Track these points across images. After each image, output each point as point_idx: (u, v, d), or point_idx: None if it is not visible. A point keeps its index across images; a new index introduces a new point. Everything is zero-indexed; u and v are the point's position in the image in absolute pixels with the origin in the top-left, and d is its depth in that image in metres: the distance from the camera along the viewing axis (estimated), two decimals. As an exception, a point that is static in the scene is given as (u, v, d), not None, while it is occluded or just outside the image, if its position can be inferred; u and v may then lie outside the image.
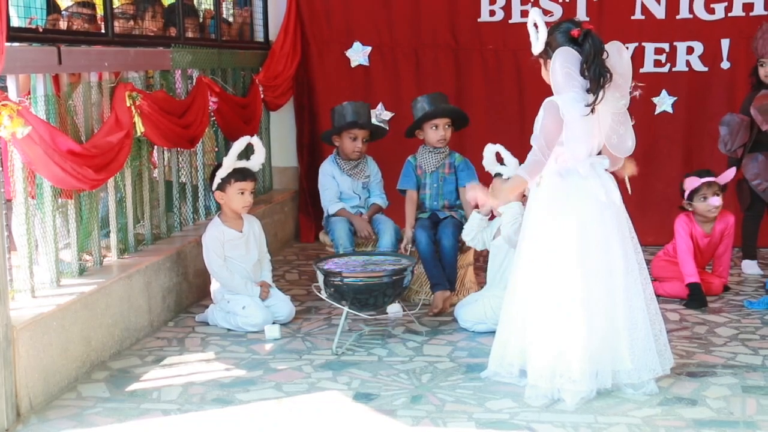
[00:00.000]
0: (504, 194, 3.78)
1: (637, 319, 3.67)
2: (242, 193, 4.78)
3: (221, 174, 4.76)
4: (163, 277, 4.78)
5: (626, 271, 3.66)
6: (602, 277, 3.63)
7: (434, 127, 5.12)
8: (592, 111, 3.56)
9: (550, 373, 3.61)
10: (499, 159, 4.75)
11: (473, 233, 4.69)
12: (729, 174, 5.12)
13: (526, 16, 6.27)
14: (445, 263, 4.96)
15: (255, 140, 4.82)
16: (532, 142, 3.66)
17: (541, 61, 3.72)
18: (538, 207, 3.73)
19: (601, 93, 3.54)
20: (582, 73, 3.55)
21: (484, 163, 4.78)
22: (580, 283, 3.60)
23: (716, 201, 5.06)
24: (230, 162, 4.76)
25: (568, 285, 3.60)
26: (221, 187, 4.78)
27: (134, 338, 4.46)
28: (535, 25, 3.66)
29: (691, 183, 5.10)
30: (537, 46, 3.67)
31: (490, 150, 4.76)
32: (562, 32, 3.61)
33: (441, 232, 4.99)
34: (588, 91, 3.54)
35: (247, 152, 4.90)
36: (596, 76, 3.53)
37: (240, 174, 4.77)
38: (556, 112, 3.57)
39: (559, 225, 3.64)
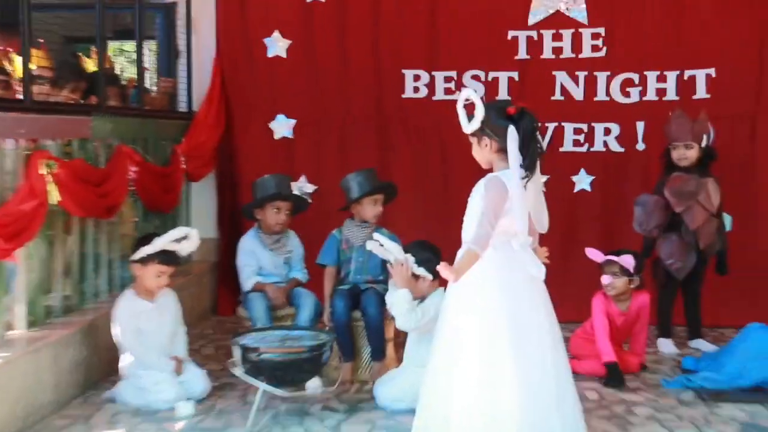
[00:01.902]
0: (461, 272, 3.59)
1: (566, 392, 3.66)
2: (160, 276, 4.70)
3: (147, 250, 4.66)
4: (72, 350, 4.61)
5: (553, 345, 3.67)
6: (533, 350, 3.60)
7: (374, 203, 5.17)
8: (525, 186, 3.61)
9: None
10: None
11: (404, 311, 4.43)
12: (626, 259, 5.14)
13: (450, 94, 6.60)
14: (371, 331, 4.96)
15: (193, 233, 4.75)
16: (466, 221, 3.66)
17: (475, 139, 3.71)
18: (472, 277, 3.69)
19: (533, 168, 3.60)
20: (520, 149, 3.58)
21: (374, 251, 4.73)
22: (512, 355, 3.56)
23: (605, 279, 5.15)
24: (161, 243, 4.67)
25: (499, 357, 3.56)
26: (142, 261, 4.68)
27: (39, 416, 4.26)
28: (471, 104, 3.68)
29: (593, 256, 5.21)
30: (473, 124, 3.66)
31: (371, 245, 4.66)
32: (497, 110, 3.64)
33: (365, 302, 4.98)
34: (522, 167, 3.58)
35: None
36: (533, 152, 3.58)
37: (165, 257, 4.68)
38: (501, 187, 3.59)
39: (491, 297, 3.62)
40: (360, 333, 5.05)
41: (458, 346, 3.66)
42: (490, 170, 3.75)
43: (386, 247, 4.53)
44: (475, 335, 3.62)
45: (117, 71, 6.27)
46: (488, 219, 3.57)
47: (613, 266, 5.16)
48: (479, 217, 3.59)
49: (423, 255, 4.53)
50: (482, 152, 3.70)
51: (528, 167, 3.57)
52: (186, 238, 4.72)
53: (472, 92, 3.67)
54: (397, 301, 4.42)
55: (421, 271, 4.49)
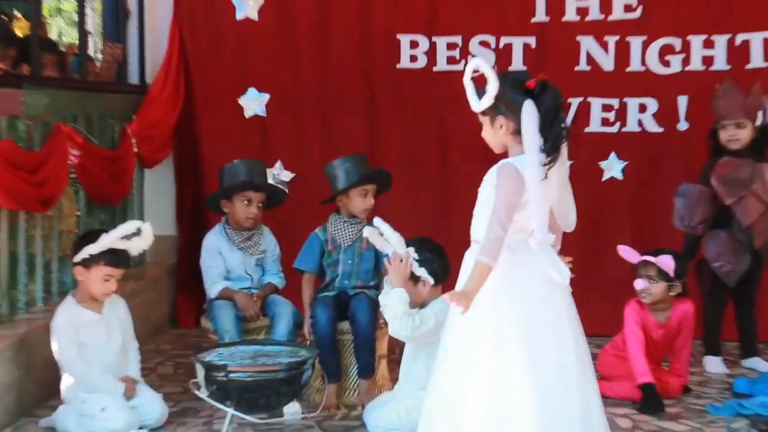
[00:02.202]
0: (472, 295, 3.57)
1: (593, 416, 3.63)
2: (107, 279, 4.69)
3: (92, 250, 4.65)
4: (1, 370, 4.59)
5: (579, 362, 3.64)
6: (554, 369, 3.59)
7: (364, 194, 5.16)
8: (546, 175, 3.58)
9: None
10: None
11: (399, 313, 4.42)
12: (665, 260, 5.13)
13: (454, 63, 6.58)
14: (360, 342, 4.98)
15: (146, 228, 4.75)
16: (477, 216, 3.65)
17: (487, 118, 3.69)
18: (485, 285, 3.67)
19: (556, 153, 3.56)
20: (541, 131, 3.55)
21: (371, 239, 4.70)
22: (529, 375, 3.54)
23: (639, 284, 5.15)
24: (109, 241, 4.66)
25: (508, 362, 3.55)
26: (86, 263, 4.67)
27: (-40, 449, 4.25)
28: (482, 76, 3.63)
29: (627, 255, 5.21)
30: (485, 100, 3.62)
31: (369, 231, 4.69)
32: (514, 83, 3.61)
33: (355, 307, 5.00)
34: (543, 151, 3.54)
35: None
36: (556, 134, 3.54)
37: (113, 258, 4.68)
38: (516, 176, 3.56)
39: (501, 301, 3.60)
40: (347, 348, 5.07)
41: (465, 356, 3.65)
42: (503, 156, 3.72)
43: (386, 237, 4.52)
44: (484, 341, 3.61)
45: (54, 35, 6.24)
46: (499, 219, 3.53)
47: (649, 268, 5.15)
48: (489, 218, 3.56)
49: (423, 255, 4.54)
50: (495, 134, 3.67)
51: (550, 152, 3.53)
52: (138, 234, 4.71)
53: (482, 62, 3.63)
54: (392, 301, 4.41)
55: (422, 272, 4.49)
